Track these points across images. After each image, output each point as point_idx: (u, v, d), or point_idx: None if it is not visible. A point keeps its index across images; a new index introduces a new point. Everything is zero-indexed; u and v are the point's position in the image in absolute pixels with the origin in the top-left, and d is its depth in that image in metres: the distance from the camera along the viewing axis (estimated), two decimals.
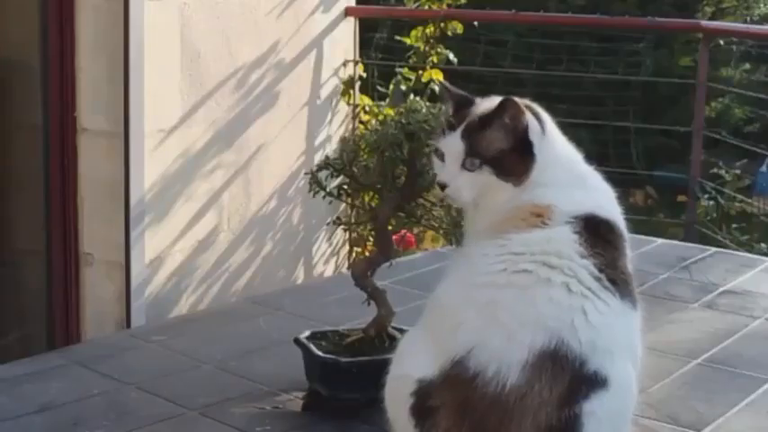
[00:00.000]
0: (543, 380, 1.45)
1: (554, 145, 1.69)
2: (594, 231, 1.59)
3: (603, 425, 1.47)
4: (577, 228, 1.58)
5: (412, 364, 1.55)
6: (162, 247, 3.80)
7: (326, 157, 2.21)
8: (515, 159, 1.64)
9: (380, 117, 4.68)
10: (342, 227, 4.71)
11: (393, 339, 2.12)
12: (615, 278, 1.56)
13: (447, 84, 1.82)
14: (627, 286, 1.58)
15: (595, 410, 1.46)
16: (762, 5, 9.85)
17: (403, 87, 4.95)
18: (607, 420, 1.48)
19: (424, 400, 1.50)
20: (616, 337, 1.52)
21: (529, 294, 1.50)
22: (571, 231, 1.57)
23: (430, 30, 4.95)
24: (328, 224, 4.59)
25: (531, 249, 1.55)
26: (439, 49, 4.98)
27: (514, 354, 1.46)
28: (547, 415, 1.44)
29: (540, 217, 1.59)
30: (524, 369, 1.45)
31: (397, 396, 1.56)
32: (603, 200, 1.67)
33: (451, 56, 5.00)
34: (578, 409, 1.45)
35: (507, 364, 1.45)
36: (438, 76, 4.93)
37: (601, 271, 1.54)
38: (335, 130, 4.79)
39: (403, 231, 4.39)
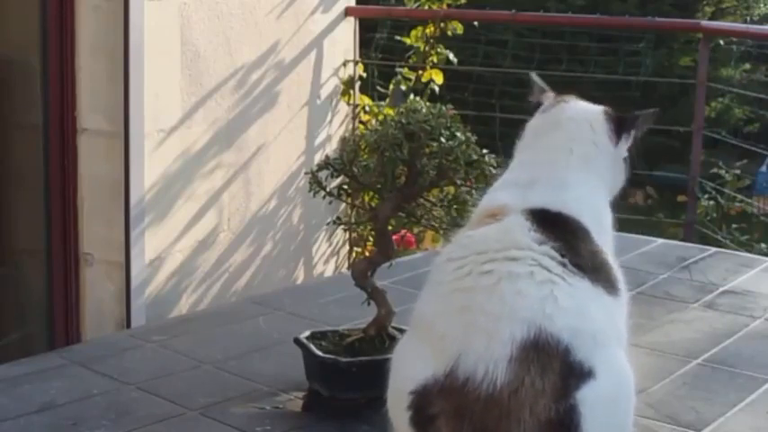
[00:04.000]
0: (532, 371, 1.45)
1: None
2: (547, 220, 1.61)
3: (601, 413, 1.47)
4: (529, 217, 1.61)
5: (404, 378, 1.57)
6: (162, 246, 3.80)
7: (327, 157, 2.21)
8: None
9: (380, 117, 4.68)
10: (342, 227, 4.71)
11: (393, 339, 2.12)
12: (580, 263, 1.56)
13: None
14: (598, 272, 1.58)
15: (590, 399, 1.46)
16: (762, 5, 9.86)
17: (403, 87, 4.95)
18: (604, 408, 1.48)
19: (421, 411, 1.52)
20: (594, 320, 1.53)
21: (497, 292, 1.52)
22: (524, 219, 1.60)
23: (430, 30, 4.95)
24: (328, 224, 4.59)
25: (492, 246, 1.57)
26: (439, 49, 4.98)
27: (498, 352, 1.47)
28: (544, 407, 1.45)
29: (494, 216, 1.64)
30: (511, 364, 1.46)
31: (396, 411, 1.57)
32: (568, 199, 1.68)
33: (451, 56, 5.00)
34: (574, 400, 1.45)
35: (494, 363, 1.46)
36: (438, 76, 4.94)
37: (563, 256, 1.56)
38: (335, 130, 4.79)
39: (403, 231, 4.39)
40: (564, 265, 1.55)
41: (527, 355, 1.46)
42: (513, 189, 1.70)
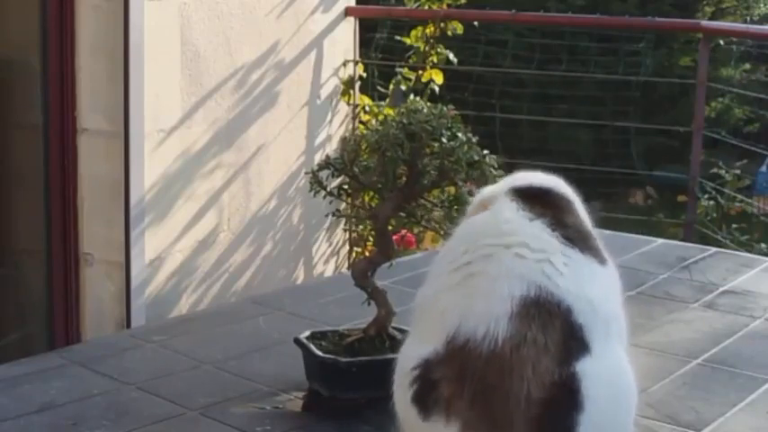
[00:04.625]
0: (534, 327, 1.46)
1: None
2: (531, 195, 1.65)
3: (602, 396, 1.47)
4: (513, 196, 1.64)
5: (407, 358, 1.57)
6: (162, 246, 3.81)
7: (327, 157, 2.21)
8: None
9: (380, 117, 4.68)
10: (342, 227, 4.71)
11: (393, 339, 2.12)
12: (569, 235, 1.58)
13: None
14: (585, 242, 1.61)
15: (589, 374, 1.46)
16: (762, 5, 9.87)
17: (403, 87, 4.96)
18: (604, 381, 1.48)
19: (424, 382, 1.52)
20: (589, 286, 1.54)
21: (495, 258, 1.54)
22: (509, 201, 1.64)
23: (430, 30, 4.95)
24: (327, 216, 4.60)
25: (487, 230, 1.60)
26: (439, 49, 4.98)
27: (498, 309, 1.48)
28: (547, 369, 1.45)
29: (485, 206, 1.68)
30: (512, 320, 1.46)
31: (401, 395, 1.57)
32: (544, 178, 1.73)
33: (451, 56, 5.01)
34: (574, 368, 1.46)
35: (494, 320, 1.47)
36: (438, 76, 4.94)
37: (553, 230, 1.58)
38: (335, 130, 4.80)
39: (403, 231, 4.39)
40: (555, 237, 1.57)
41: (528, 311, 1.47)
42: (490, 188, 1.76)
